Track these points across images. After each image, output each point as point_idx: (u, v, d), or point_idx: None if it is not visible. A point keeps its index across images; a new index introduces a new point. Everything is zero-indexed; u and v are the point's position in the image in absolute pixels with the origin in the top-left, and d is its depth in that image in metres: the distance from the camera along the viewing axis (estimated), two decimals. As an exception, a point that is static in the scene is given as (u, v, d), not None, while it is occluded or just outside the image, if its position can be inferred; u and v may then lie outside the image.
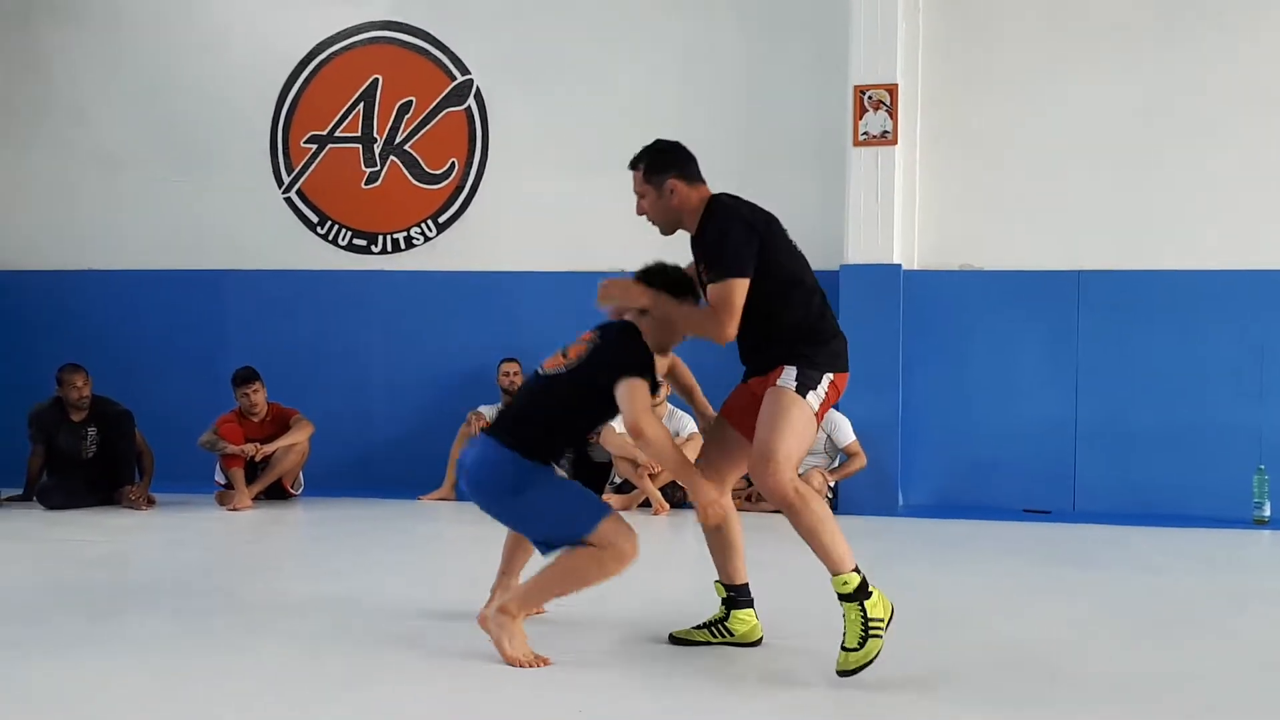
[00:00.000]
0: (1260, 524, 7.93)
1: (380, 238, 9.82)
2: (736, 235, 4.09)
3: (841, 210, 8.65)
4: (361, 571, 5.99)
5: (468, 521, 8.18)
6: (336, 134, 9.88)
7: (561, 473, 4.45)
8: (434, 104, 9.72)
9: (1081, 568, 6.33)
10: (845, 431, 8.13)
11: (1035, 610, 5.24)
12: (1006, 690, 3.90)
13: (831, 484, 8.17)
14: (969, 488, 8.65)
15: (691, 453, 5.44)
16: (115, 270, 10.11)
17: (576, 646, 4.30)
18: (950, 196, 8.78)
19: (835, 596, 3.94)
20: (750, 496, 8.11)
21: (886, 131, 8.51)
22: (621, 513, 4.61)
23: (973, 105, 8.79)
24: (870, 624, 3.84)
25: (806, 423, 4.06)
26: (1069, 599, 5.47)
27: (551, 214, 9.42)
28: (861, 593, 3.88)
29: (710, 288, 4.07)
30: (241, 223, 9.97)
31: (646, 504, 8.23)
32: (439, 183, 9.71)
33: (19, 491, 8.55)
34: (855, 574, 3.90)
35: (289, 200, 9.95)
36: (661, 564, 6.06)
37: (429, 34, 9.73)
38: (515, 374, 9.12)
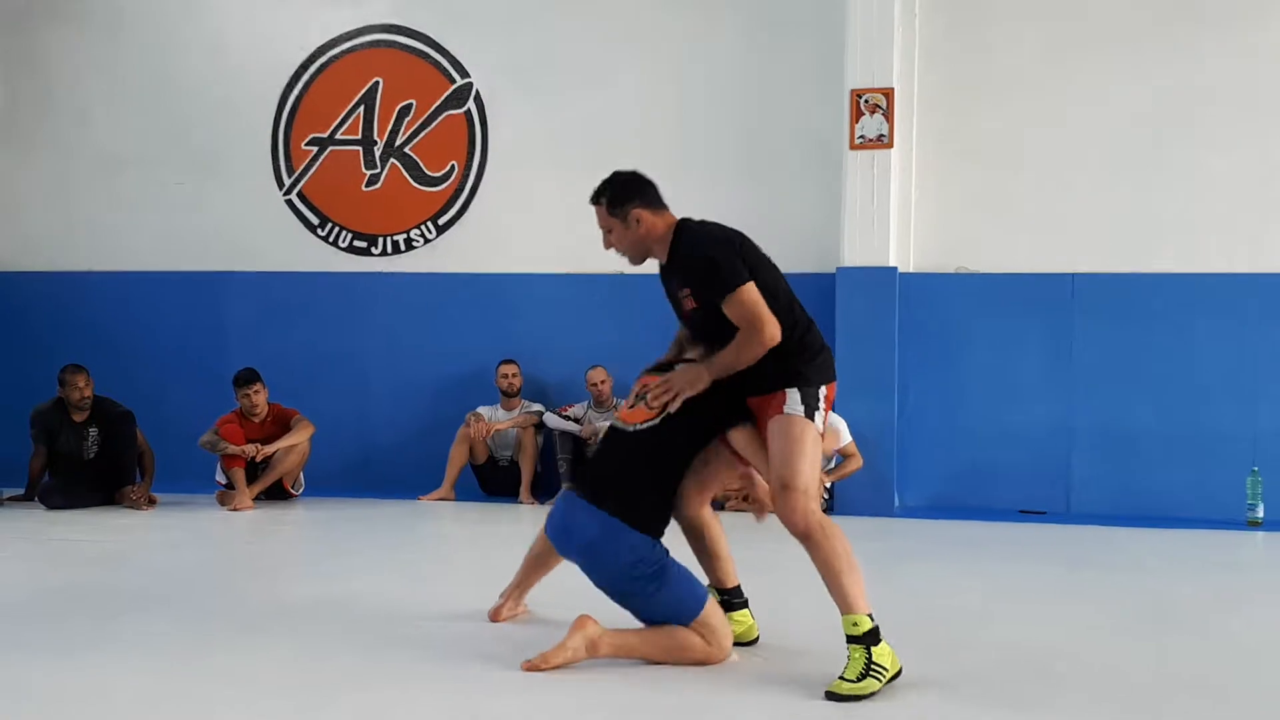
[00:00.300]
0: (1254, 525, 7.96)
1: (380, 240, 9.85)
2: (722, 252, 4.09)
3: (838, 213, 8.68)
4: (362, 572, 6.00)
5: (468, 522, 8.23)
6: (337, 136, 9.91)
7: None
8: (434, 107, 9.75)
9: (1076, 569, 6.36)
10: (842, 433, 8.15)
11: (1030, 611, 5.26)
12: (1002, 691, 3.92)
13: (828, 485, 8.20)
14: (965, 489, 8.68)
15: None
16: (116, 271, 10.14)
17: (575, 646, 4.32)
18: (946, 199, 8.81)
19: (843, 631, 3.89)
20: (746, 498, 8.13)
21: (883, 135, 8.54)
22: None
23: (969, 109, 8.82)
24: (873, 667, 3.79)
25: (816, 446, 4.05)
26: (1064, 600, 5.50)
27: (551, 216, 9.44)
28: (871, 638, 3.82)
29: (728, 309, 4.02)
30: (242, 224, 10.00)
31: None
32: (439, 185, 9.75)
33: (20, 491, 8.57)
34: (868, 619, 3.84)
35: (290, 202, 9.98)
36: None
37: (429, 37, 9.77)
38: (514, 375, 9.15)
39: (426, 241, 9.77)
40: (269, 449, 8.52)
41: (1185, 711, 3.77)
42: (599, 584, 4.19)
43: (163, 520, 7.90)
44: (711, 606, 4.16)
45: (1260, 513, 8.00)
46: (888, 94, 8.54)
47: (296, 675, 4.05)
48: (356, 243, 9.89)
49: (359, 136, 9.88)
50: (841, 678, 3.80)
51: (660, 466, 4.17)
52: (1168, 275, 8.49)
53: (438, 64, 9.75)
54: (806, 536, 3.93)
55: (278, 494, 8.72)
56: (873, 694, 3.77)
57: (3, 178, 10.44)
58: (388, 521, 7.85)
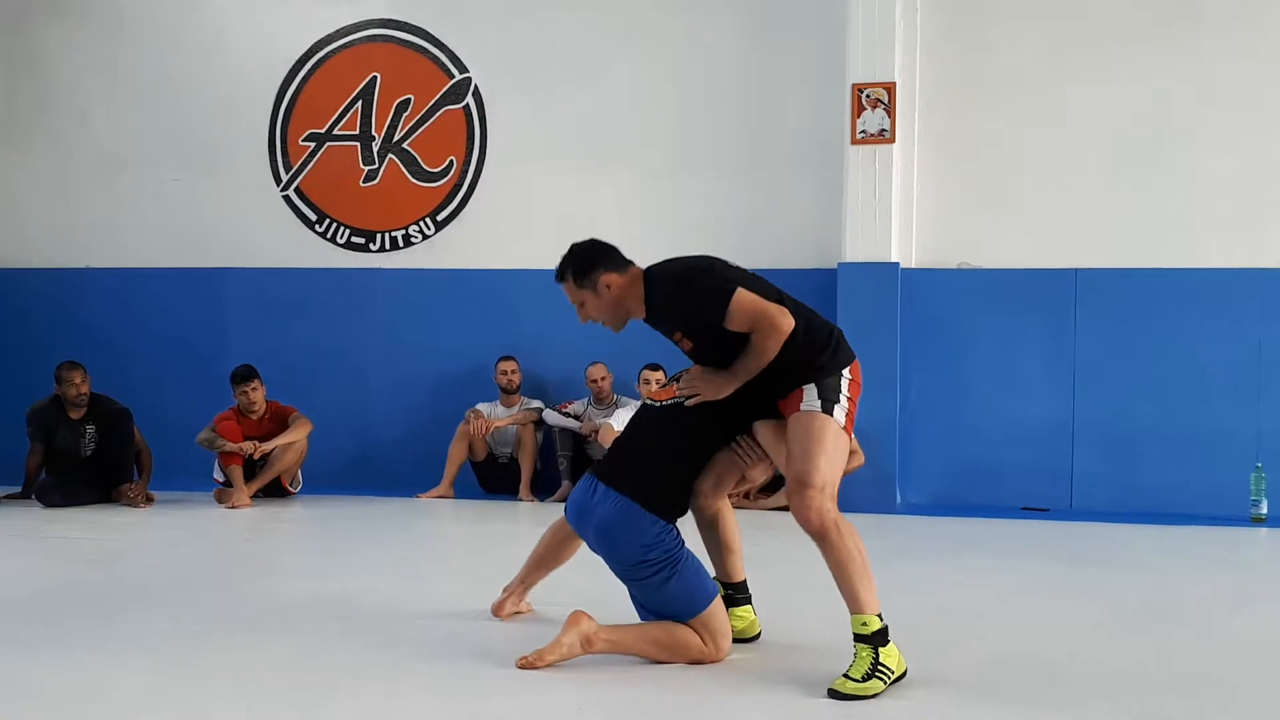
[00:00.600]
0: (1257, 522, 7.94)
1: (379, 236, 9.82)
2: (697, 280, 4.05)
3: (839, 209, 8.66)
4: (360, 570, 5.98)
5: (466, 520, 8.21)
6: (335, 132, 9.88)
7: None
8: (432, 102, 9.72)
9: (1079, 566, 6.34)
10: (843, 429, 8.12)
11: (1033, 608, 5.25)
12: (1004, 688, 3.91)
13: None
14: (967, 486, 8.66)
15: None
16: (114, 268, 10.11)
17: (575, 644, 4.30)
18: (948, 195, 8.78)
19: (850, 626, 3.87)
20: (749, 494, 8.12)
21: (884, 130, 8.51)
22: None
23: (971, 104, 8.79)
24: (879, 667, 3.77)
25: (839, 442, 4.01)
26: (1066, 597, 5.47)
27: (550, 212, 9.42)
28: (879, 639, 3.80)
29: (731, 323, 3.97)
30: (240, 221, 9.98)
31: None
32: (437, 181, 9.72)
33: (18, 489, 8.56)
34: (878, 619, 3.83)
35: (287, 198, 9.95)
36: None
37: (427, 32, 9.73)
38: (513, 372, 9.12)
39: (425, 237, 9.74)
40: (267, 446, 8.50)
41: (1189, 709, 3.74)
42: (613, 566, 4.19)
43: (160, 518, 7.88)
44: (716, 606, 4.14)
45: (1264, 509, 7.98)
46: (889, 89, 8.51)
47: (294, 673, 4.04)
48: (354, 239, 9.86)
49: (357, 132, 9.84)
50: (846, 675, 3.78)
51: (683, 453, 4.19)
52: (1170, 270, 8.47)
53: (436, 59, 9.72)
54: (822, 535, 3.89)
55: (276, 491, 8.69)
56: (876, 695, 3.75)
57: (2, 175, 10.40)
58: (386, 519, 7.83)
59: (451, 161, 9.69)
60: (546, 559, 4.71)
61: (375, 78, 9.82)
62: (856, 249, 8.58)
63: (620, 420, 8.34)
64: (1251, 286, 8.36)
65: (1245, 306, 8.37)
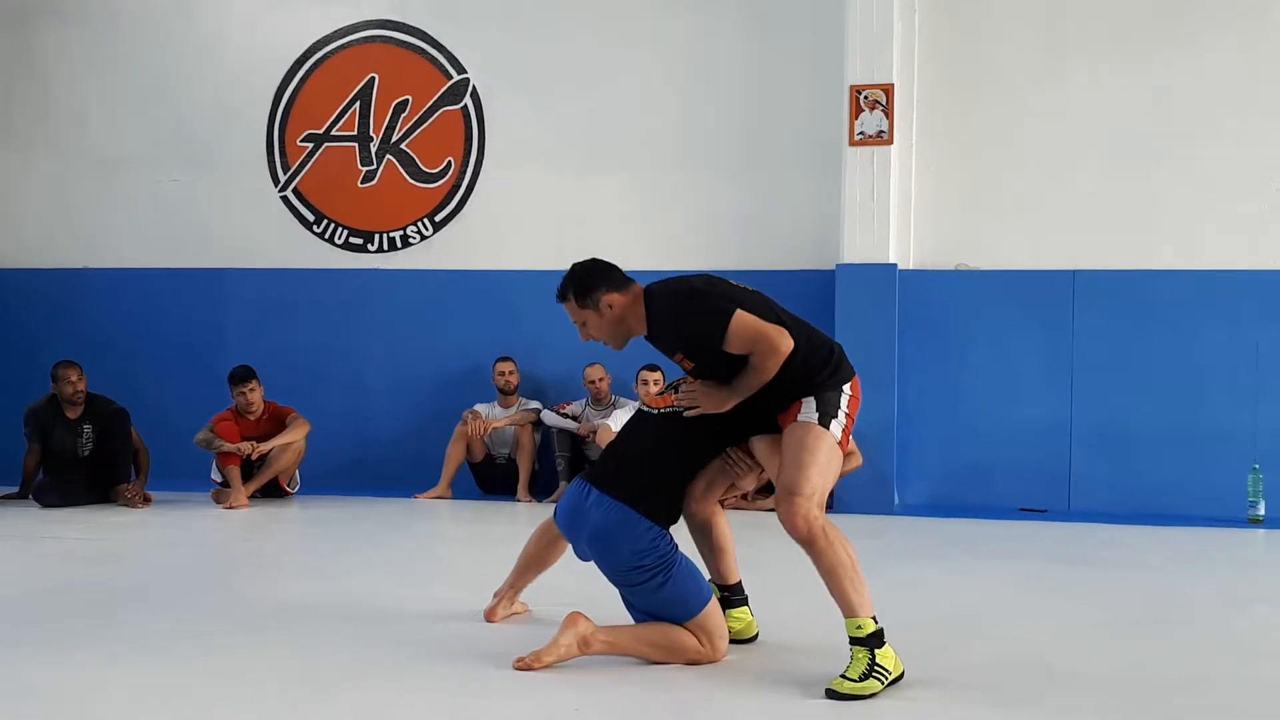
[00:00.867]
0: (1255, 523, 7.94)
1: (377, 236, 9.81)
2: (696, 303, 4.05)
3: (837, 210, 8.65)
4: (358, 571, 5.98)
5: (464, 520, 8.21)
6: (333, 133, 9.88)
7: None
8: (430, 103, 9.71)
9: (1077, 567, 6.34)
10: (841, 431, 8.12)
11: (1031, 609, 5.25)
12: (1001, 689, 3.91)
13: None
14: (965, 487, 8.65)
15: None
16: (112, 269, 10.10)
17: (573, 645, 4.29)
18: (946, 196, 8.78)
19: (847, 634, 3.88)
20: (746, 495, 8.11)
21: (882, 131, 8.52)
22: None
23: (969, 105, 8.79)
24: (876, 668, 3.78)
25: (832, 454, 4.02)
26: (1065, 598, 5.48)
27: (548, 212, 9.42)
28: (874, 640, 3.80)
29: (730, 346, 3.96)
30: (238, 221, 9.96)
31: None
32: (435, 181, 9.71)
33: (15, 490, 8.55)
34: (872, 621, 3.83)
35: (285, 199, 9.95)
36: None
37: (425, 33, 9.73)
38: (511, 373, 9.12)
39: (423, 238, 9.73)
40: (264, 447, 8.49)
41: (1187, 710, 3.75)
42: (606, 572, 4.19)
43: (158, 518, 7.88)
44: (712, 608, 4.14)
45: (1261, 510, 7.97)
46: (887, 90, 8.51)
47: (292, 673, 4.04)
48: (353, 239, 9.85)
49: (355, 133, 9.84)
50: (844, 676, 3.79)
51: (678, 462, 4.20)
52: (1168, 272, 8.47)
53: (434, 60, 9.71)
54: (809, 543, 3.90)
55: (273, 492, 8.68)
56: (873, 695, 3.75)
57: (0, 176, 10.39)
58: (384, 520, 7.83)
59: (450, 162, 9.68)
60: (535, 561, 4.71)
61: (373, 78, 9.81)
62: (854, 250, 8.57)
63: (618, 421, 8.34)
64: (1249, 288, 8.36)
65: (1243, 308, 8.37)
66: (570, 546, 4.41)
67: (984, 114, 8.77)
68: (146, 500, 8.31)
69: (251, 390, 8.55)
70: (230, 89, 9.99)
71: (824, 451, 3.98)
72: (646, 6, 9.36)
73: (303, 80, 9.92)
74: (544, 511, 8.05)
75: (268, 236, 9.91)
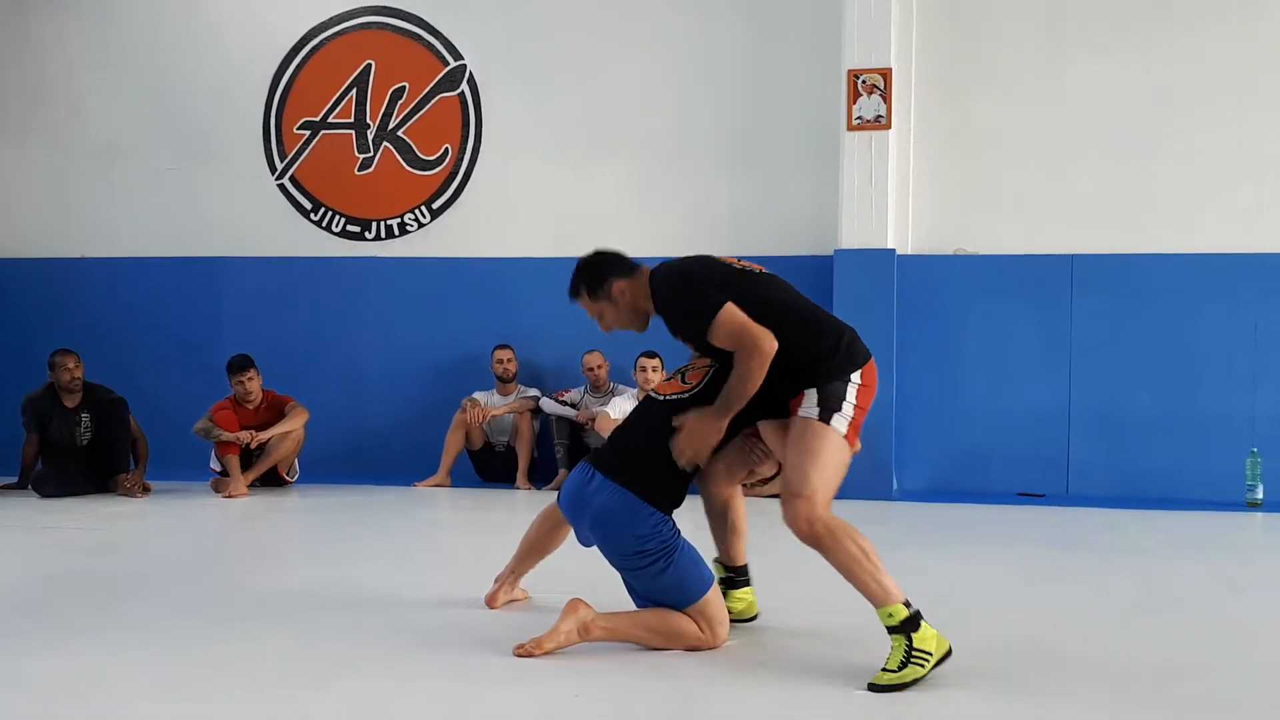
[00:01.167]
0: (1253, 507, 7.96)
1: (374, 224, 9.80)
2: (686, 292, 4.04)
3: (835, 195, 8.65)
4: (357, 559, 5.98)
5: (463, 508, 8.21)
6: (329, 120, 9.86)
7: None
8: (427, 90, 9.69)
9: (1075, 551, 6.34)
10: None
11: (1029, 593, 5.25)
12: (1001, 674, 3.91)
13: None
14: (963, 472, 8.67)
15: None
16: (109, 258, 10.09)
17: (572, 632, 4.30)
18: (944, 181, 8.78)
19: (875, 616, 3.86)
20: (763, 480, 8.11)
21: (880, 116, 8.50)
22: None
23: (967, 89, 8.78)
24: (915, 654, 3.73)
25: (835, 450, 3.98)
26: (1063, 582, 5.48)
27: (545, 199, 9.42)
28: (909, 625, 3.76)
29: (714, 339, 3.96)
30: (235, 210, 9.96)
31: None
32: (432, 169, 9.70)
33: (14, 480, 8.55)
34: (904, 607, 3.78)
35: (282, 187, 9.93)
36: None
37: (422, 19, 9.71)
38: (509, 360, 9.12)
39: (420, 226, 9.72)
40: (263, 435, 8.49)
41: (1185, 694, 3.75)
42: (608, 556, 4.19)
43: (157, 508, 7.87)
44: (713, 594, 4.14)
45: (1259, 494, 8.00)
46: (885, 75, 8.49)
47: (291, 661, 4.03)
48: (350, 227, 9.84)
49: (351, 120, 9.82)
50: (883, 669, 3.75)
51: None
52: (1166, 256, 8.47)
53: (430, 46, 9.69)
54: (815, 543, 3.89)
55: (272, 481, 8.69)
56: (917, 680, 3.71)
57: (-6, 164, 10.40)
58: (383, 508, 7.83)
59: (447, 149, 9.67)
60: (536, 547, 4.71)
61: (369, 65, 9.79)
62: (853, 235, 8.57)
63: (617, 408, 8.35)
64: (1247, 271, 8.37)
65: (1241, 291, 8.38)
66: (571, 533, 4.41)
67: (983, 99, 8.76)
68: (145, 489, 8.31)
69: (250, 379, 8.55)
70: (227, 77, 9.97)
71: (826, 450, 3.95)
72: (643, -8, 9.34)
73: (299, 67, 9.90)
74: (543, 499, 8.05)
75: (265, 225, 9.90)
